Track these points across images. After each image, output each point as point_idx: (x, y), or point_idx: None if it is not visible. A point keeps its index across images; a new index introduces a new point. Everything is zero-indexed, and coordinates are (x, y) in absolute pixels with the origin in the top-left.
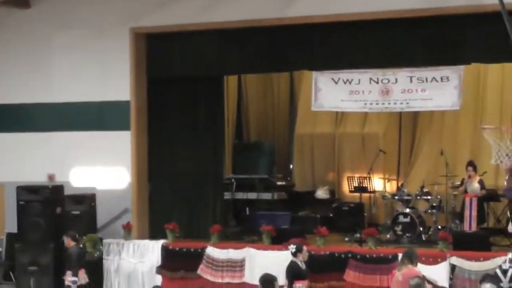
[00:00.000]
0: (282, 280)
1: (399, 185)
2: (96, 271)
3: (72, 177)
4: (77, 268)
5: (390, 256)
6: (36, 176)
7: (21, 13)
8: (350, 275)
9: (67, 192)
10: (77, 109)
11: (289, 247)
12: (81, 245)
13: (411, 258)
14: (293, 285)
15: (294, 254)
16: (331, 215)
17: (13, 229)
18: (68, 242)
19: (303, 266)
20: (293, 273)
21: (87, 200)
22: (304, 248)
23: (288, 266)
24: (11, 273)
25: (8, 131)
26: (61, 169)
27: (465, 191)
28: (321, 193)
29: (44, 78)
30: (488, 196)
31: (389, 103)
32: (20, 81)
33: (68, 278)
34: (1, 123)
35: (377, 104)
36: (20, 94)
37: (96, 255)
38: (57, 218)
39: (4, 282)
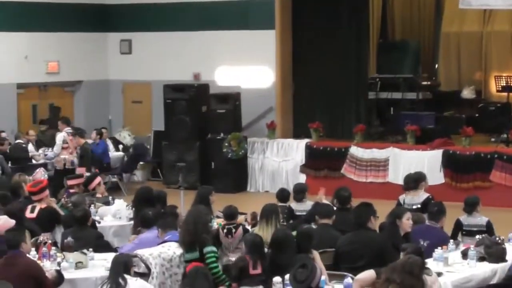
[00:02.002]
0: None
1: None
2: (241, 168)
3: (217, 76)
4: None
5: None
6: (182, 75)
7: None
8: (496, 176)
9: (212, 91)
10: (222, 8)
11: None
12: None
13: None
14: None
15: None
16: (477, 115)
17: (160, 127)
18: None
19: None
20: None
21: (231, 98)
22: None
23: None
24: (158, 170)
25: (154, 31)
26: (206, 68)
27: None
28: (467, 93)
29: None
30: None
31: None
32: None
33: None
34: (147, 23)
35: None
36: None
37: (241, 153)
38: (203, 116)
39: (152, 178)
